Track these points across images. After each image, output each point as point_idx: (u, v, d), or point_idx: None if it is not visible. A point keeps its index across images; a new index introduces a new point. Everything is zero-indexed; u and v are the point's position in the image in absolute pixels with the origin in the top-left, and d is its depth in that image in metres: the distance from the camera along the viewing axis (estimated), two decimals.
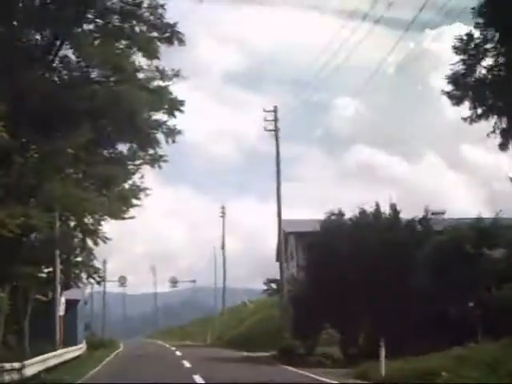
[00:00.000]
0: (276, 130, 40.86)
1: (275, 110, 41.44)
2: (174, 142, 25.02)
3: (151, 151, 25.50)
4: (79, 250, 30.21)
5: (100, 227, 27.55)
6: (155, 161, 25.68)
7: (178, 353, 34.31)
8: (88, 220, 27.08)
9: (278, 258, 41.92)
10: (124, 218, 26.57)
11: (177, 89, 25.12)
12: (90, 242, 28.21)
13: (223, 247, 62.74)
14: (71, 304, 36.79)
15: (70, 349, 30.06)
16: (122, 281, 46.45)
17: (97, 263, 32.35)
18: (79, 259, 31.24)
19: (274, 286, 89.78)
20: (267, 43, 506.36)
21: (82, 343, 37.02)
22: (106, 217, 26.81)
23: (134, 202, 26.32)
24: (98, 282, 33.80)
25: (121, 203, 26.11)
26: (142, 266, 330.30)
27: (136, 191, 26.13)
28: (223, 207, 66.56)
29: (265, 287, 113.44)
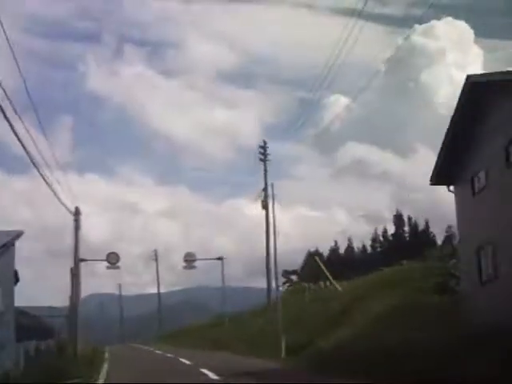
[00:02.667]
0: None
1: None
2: None
3: None
4: None
5: None
6: None
7: None
8: None
9: None
10: None
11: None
12: None
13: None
14: None
15: None
16: (113, 260, 38.73)
17: None
18: None
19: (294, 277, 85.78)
20: (260, 42, 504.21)
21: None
22: None
23: None
24: None
25: None
26: (137, 266, 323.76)
27: None
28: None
29: (283, 279, 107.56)
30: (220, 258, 45.49)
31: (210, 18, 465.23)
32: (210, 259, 46.45)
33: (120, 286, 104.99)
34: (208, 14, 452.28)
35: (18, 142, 16.33)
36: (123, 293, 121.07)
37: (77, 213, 31.18)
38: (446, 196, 22.05)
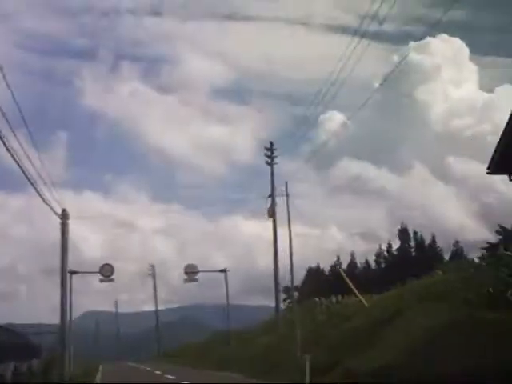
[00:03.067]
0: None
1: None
2: None
3: None
4: None
5: None
6: None
7: None
8: None
9: None
10: None
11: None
12: None
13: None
14: None
15: None
16: (107, 272, 35.14)
17: None
18: None
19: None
20: (253, 59, 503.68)
21: None
22: None
23: None
24: None
25: None
26: (132, 284, 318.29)
27: None
28: None
29: (284, 296, 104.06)
30: (223, 271, 41.93)
31: (205, 36, 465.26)
32: (213, 271, 42.91)
33: (116, 302, 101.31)
34: (203, 31, 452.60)
35: None
36: (119, 310, 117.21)
37: (64, 216, 27.22)
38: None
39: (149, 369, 38.38)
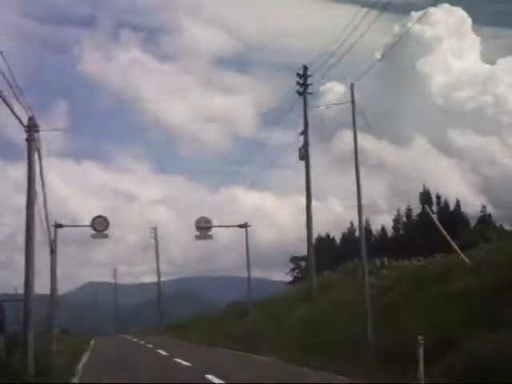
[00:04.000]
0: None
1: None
2: None
3: None
4: None
5: None
6: None
7: None
8: None
9: None
10: None
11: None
12: None
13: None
14: None
15: None
16: (99, 226, 27.52)
17: None
18: None
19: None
20: (256, 29, 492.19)
21: None
22: None
23: None
24: None
25: None
26: (132, 255, 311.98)
27: None
28: None
29: (292, 265, 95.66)
30: (243, 226, 33.42)
31: (208, 4, 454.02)
32: (231, 226, 34.75)
33: (115, 271, 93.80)
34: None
35: None
36: (119, 282, 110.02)
37: (31, 127, 17.48)
38: None
39: (150, 346, 30.44)
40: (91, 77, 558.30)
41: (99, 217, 29.50)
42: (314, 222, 31.96)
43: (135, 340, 40.48)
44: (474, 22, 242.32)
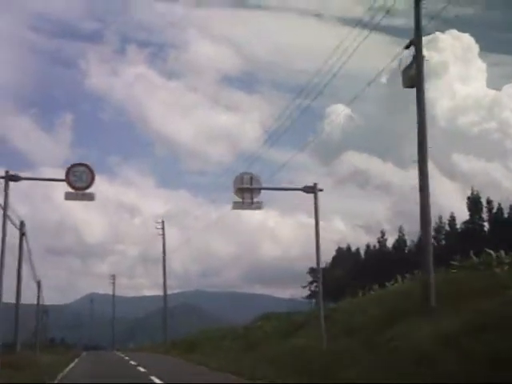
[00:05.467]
0: None
1: None
2: None
3: None
4: None
5: None
6: None
7: None
8: None
9: None
10: None
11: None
12: None
13: None
14: None
15: None
16: (78, 180, 15.96)
17: None
18: None
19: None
20: (263, 48, 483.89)
21: None
22: None
23: None
24: None
25: None
26: (134, 269, 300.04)
27: None
28: None
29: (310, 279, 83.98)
30: (310, 189, 19.88)
31: (216, 23, 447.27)
32: (292, 189, 21.90)
33: (114, 278, 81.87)
34: (214, 19, 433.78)
35: None
36: (121, 294, 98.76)
37: None
38: None
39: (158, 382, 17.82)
40: (97, 91, 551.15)
41: (79, 164, 17.71)
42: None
43: (132, 363, 28.14)
44: (482, 48, 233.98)
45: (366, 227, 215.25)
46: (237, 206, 18.99)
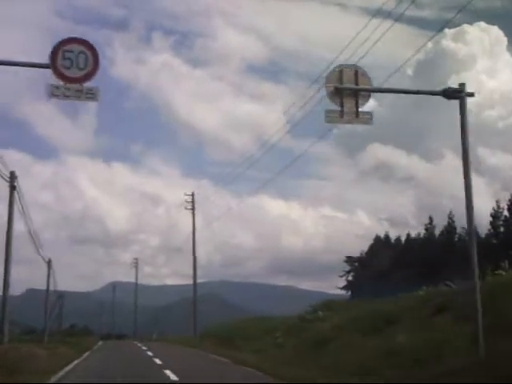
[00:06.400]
0: None
1: None
2: None
3: None
4: None
5: None
6: None
7: None
8: None
9: None
10: None
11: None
12: None
13: None
14: None
15: None
16: (72, 68, 9.00)
17: None
18: None
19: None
20: (288, 37, 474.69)
21: None
22: None
23: None
24: None
25: None
26: (157, 257, 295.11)
27: None
28: None
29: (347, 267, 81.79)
30: (454, 93, 12.80)
31: (242, 12, 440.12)
32: (428, 93, 14.51)
33: (137, 260, 75.45)
34: (240, 7, 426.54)
35: None
36: (143, 283, 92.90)
37: None
38: None
39: None
40: (122, 79, 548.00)
41: (74, 41, 10.39)
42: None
43: (157, 362, 20.87)
44: (510, 41, 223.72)
45: (391, 220, 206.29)
46: (332, 117, 11.47)
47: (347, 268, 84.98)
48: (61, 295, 57.63)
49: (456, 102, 12.71)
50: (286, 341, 22.40)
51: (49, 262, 41.89)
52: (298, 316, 26.10)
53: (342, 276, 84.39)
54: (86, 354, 27.13)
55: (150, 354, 26.07)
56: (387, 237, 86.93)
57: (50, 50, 10.56)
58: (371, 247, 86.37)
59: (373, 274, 75.05)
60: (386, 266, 74.71)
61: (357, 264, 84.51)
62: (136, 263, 75.85)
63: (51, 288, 45.02)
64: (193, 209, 41.59)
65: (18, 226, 27.08)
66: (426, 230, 71.69)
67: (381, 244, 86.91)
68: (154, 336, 57.58)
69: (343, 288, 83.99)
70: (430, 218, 72.36)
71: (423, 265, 63.87)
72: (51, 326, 51.07)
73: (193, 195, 42.18)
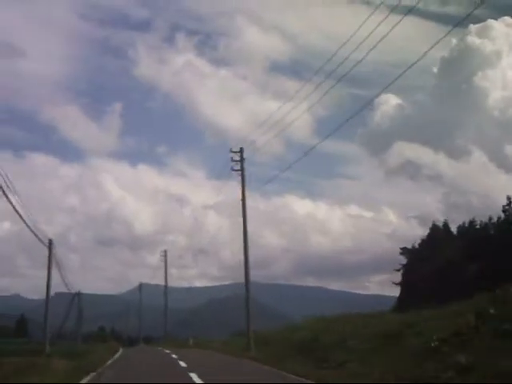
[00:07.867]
0: None
1: None
2: None
3: None
4: None
5: None
6: None
7: None
8: None
9: None
10: None
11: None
12: None
13: None
14: None
15: None
16: None
17: None
18: None
19: None
20: (313, 36, 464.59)
21: None
22: None
23: None
24: None
25: None
26: (184, 259, 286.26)
27: None
28: None
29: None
30: None
31: (265, 11, 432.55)
32: None
33: (165, 252, 65.78)
34: (264, 6, 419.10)
35: None
36: (171, 285, 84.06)
37: None
38: None
39: None
40: (146, 80, 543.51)
41: None
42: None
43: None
44: None
45: (418, 218, 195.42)
46: None
47: (403, 261, 73.19)
48: (77, 293, 47.36)
49: None
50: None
51: (50, 243, 32.51)
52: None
53: (398, 270, 72.58)
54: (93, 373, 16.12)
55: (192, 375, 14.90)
56: (445, 225, 75.40)
57: None
58: (429, 236, 74.98)
59: (434, 268, 63.93)
60: (454, 257, 63.45)
61: (411, 257, 73.54)
62: (165, 255, 65.94)
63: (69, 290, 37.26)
64: (242, 170, 30.64)
65: None
66: (504, 211, 59.29)
67: (441, 233, 75.51)
68: (190, 341, 46.43)
69: (398, 284, 72.84)
70: (509, 199, 60.02)
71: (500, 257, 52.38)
72: (72, 328, 50.25)
73: (241, 150, 31.22)
